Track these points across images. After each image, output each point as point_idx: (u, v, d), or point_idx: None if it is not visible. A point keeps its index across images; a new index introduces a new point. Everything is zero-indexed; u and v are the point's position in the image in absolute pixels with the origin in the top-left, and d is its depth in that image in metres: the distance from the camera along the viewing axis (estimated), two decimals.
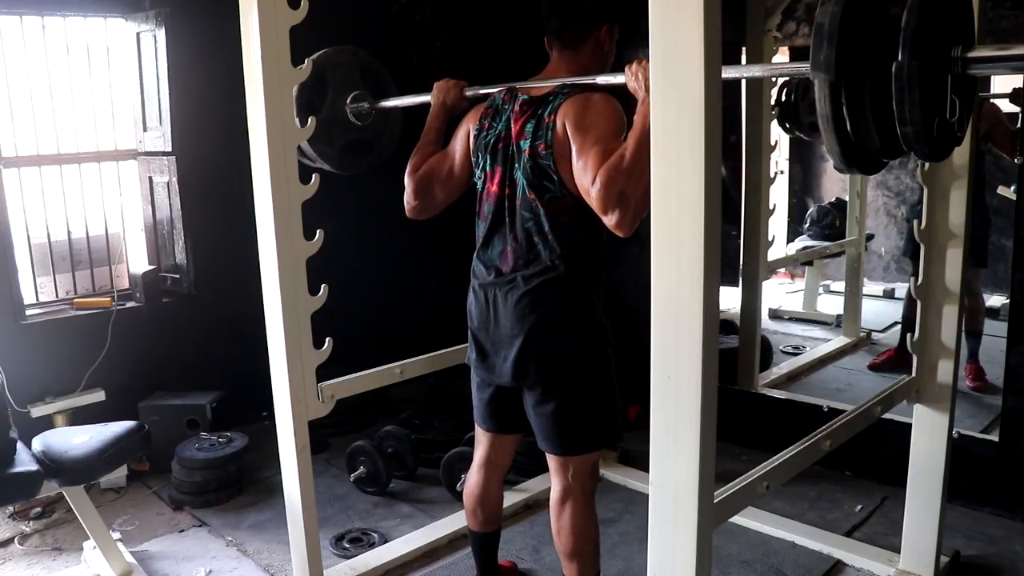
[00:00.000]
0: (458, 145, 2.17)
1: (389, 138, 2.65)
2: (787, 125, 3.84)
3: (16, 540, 2.99)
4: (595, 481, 2.13)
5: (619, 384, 2.08)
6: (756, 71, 1.86)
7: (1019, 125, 2.94)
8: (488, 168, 2.04)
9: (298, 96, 2.28)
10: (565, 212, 1.93)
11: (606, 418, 2.06)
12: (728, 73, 1.43)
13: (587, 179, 1.80)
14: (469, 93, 2.24)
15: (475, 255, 2.12)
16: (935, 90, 1.34)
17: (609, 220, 1.77)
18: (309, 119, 2.23)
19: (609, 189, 1.74)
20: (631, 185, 1.73)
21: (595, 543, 2.14)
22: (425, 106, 2.33)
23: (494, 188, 2.03)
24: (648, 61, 1.44)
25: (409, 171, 2.20)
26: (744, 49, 3.66)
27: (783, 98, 3.79)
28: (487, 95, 2.16)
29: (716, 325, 1.47)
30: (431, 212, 2.23)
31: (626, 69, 1.82)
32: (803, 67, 1.37)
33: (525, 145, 1.94)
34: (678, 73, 1.37)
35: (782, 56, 3.97)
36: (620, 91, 1.89)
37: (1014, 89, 3.14)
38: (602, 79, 1.91)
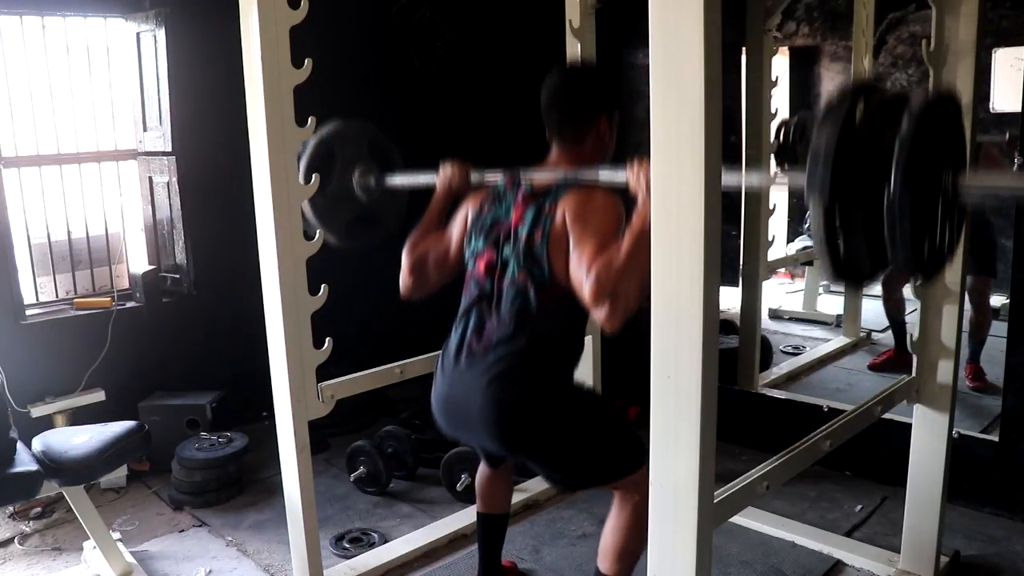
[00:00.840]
0: (455, 229, 2.18)
1: (395, 212, 2.64)
2: (785, 166, 3.86)
3: (16, 540, 2.99)
4: (643, 494, 1.87)
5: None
6: (754, 180, 1.88)
7: (1015, 167, 2.99)
8: (480, 249, 2.05)
9: (307, 164, 2.30)
10: (551, 299, 1.94)
11: (616, 452, 2.02)
12: (727, 180, 1.48)
13: (581, 272, 1.81)
14: (474, 177, 2.24)
15: (452, 327, 2.09)
16: (926, 215, 1.38)
17: (598, 314, 1.78)
18: (310, 120, 2.23)
19: (602, 285, 1.75)
20: (624, 283, 1.74)
21: (633, 550, 2.09)
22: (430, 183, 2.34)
23: (483, 267, 2.04)
24: (649, 162, 1.45)
25: (407, 249, 2.20)
26: (744, 49, 3.66)
27: (780, 139, 3.81)
28: (492, 181, 2.17)
29: (716, 325, 1.47)
30: (425, 292, 2.22)
31: (628, 169, 1.83)
32: (801, 182, 1.40)
33: (523, 231, 1.96)
34: (678, 73, 1.37)
35: (782, 56, 3.97)
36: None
37: (1009, 135, 3.17)
38: (604, 175, 1.92)
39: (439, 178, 2.27)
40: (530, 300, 1.93)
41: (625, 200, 1.88)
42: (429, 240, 2.20)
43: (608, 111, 2.04)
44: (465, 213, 2.16)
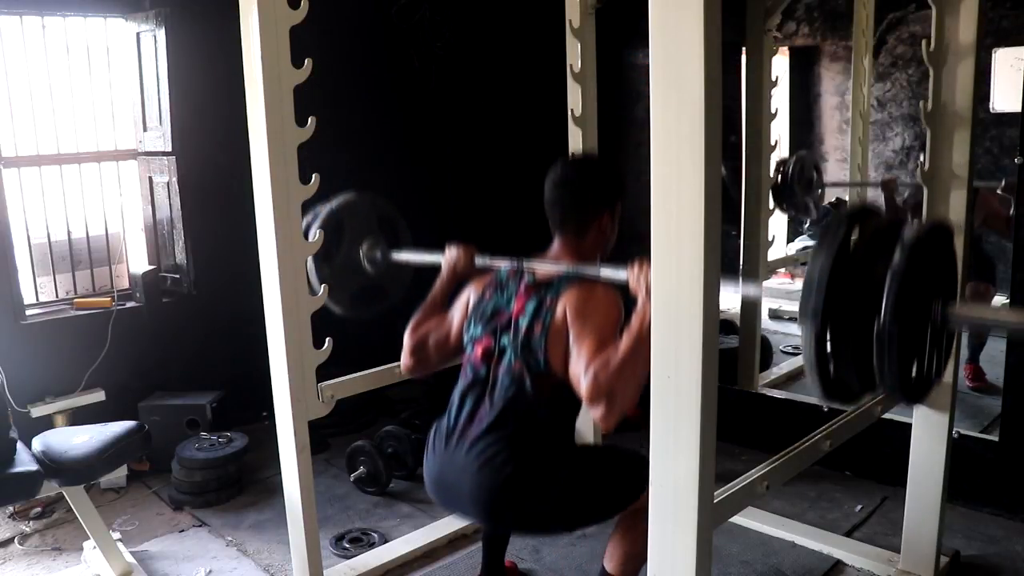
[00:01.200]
0: (457, 313, 2.20)
1: (401, 283, 2.68)
2: (783, 205, 3.86)
3: (16, 540, 2.99)
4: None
5: (602, 461, 2.08)
6: (751, 291, 1.92)
7: (1012, 212, 3.04)
8: (479, 335, 2.07)
9: (315, 254, 2.35)
10: (546, 389, 1.95)
11: (616, 494, 2.03)
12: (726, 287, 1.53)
13: (580, 368, 1.83)
14: (479, 261, 2.26)
15: (448, 407, 2.11)
16: (914, 342, 1.42)
17: (594, 412, 1.79)
18: (310, 119, 2.23)
19: (599, 383, 1.76)
20: (621, 383, 1.75)
21: (640, 552, 2.11)
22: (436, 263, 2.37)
23: (480, 353, 2.05)
24: (649, 265, 1.48)
25: (409, 330, 2.22)
26: (744, 49, 3.66)
27: (779, 179, 3.81)
28: (496, 266, 2.19)
29: (716, 325, 1.47)
30: (426, 372, 2.25)
31: (629, 269, 1.86)
32: (795, 291, 1.44)
33: (523, 322, 1.97)
34: (678, 73, 1.37)
35: (782, 56, 3.97)
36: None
37: (1006, 182, 3.19)
38: (605, 272, 1.94)
39: (444, 260, 2.30)
40: (525, 388, 1.95)
41: (624, 295, 1.91)
42: (431, 322, 2.22)
43: (611, 205, 2.07)
44: (467, 298, 2.18)
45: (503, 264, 2.15)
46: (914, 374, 1.43)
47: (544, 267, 2.05)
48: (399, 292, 2.66)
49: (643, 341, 1.64)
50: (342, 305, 2.50)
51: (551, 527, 2.11)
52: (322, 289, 2.33)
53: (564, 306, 1.92)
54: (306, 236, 2.31)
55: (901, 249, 1.36)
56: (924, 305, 1.42)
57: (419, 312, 2.25)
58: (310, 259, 2.33)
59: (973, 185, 2.17)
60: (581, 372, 1.81)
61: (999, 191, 3.33)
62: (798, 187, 3.82)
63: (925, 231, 1.40)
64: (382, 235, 2.57)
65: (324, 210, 2.40)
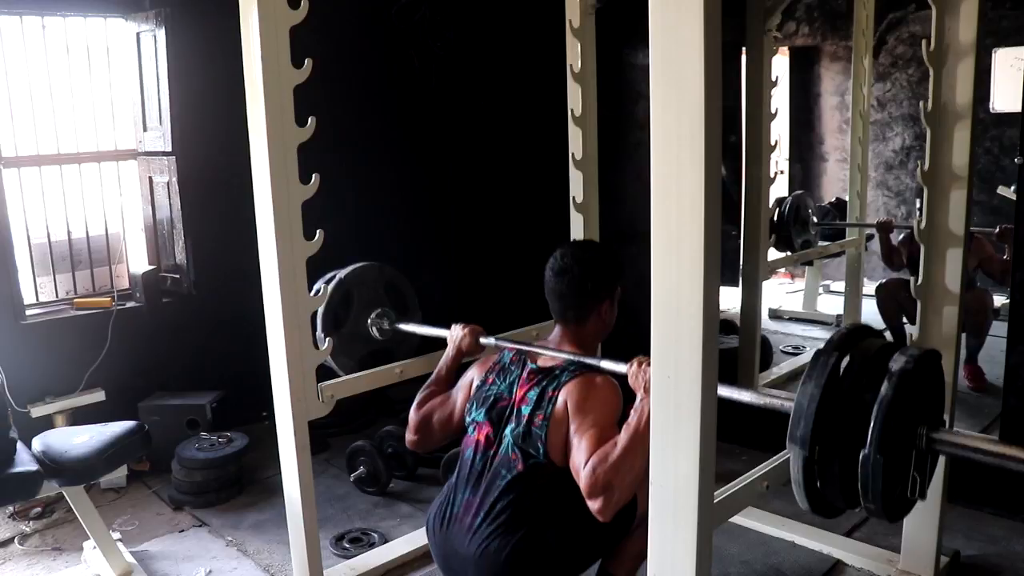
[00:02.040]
0: (460, 395, 2.24)
1: (408, 346, 2.74)
2: (780, 246, 3.90)
3: (16, 540, 2.99)
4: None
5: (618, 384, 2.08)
6: (745, 397, 1.99)
7: (1005, 256, 3.07)
8: (480, 420, 2.10)
9: (324, 313, 2.43)
10: (543, 477, 1.98)
11: (608, 533, 2.03)
12: (723, 393, 1.62)
13: (579, 460, 1.87)
14: (484, 341, 2.32)
15: (448, 486, 2.15)
16: (898, 467, 1.47)
17: (592, 505, 1.83)
18: (309, 120, 2.23)
19: (597, 476, 1.81)
20: (619, 476, 1.79)
21: (639, 551, 2.12)
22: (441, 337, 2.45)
23: (480, 439, 2.09)
24: (648, 363, 1.52)
25: (414, 407, 2.29)
26: (744, 49, 3.65)
27: (775, 217, 3.85)
28: (500, 347, 2.23)
29: (716, 325, 1.47)
30: (429, 447, 2.33)
31: (629, 367, 1.91)
32: (788, 404, 1.53)
33: (525, 411, 2.00)
34: (678, 73, 1.37)
35: (782, 56, 3.97)
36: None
37: (1001, 228, 3.28)
38: (606, 365, 1.99)
39: (450, 338, 2.37)
40: (520, 477, 1.98)
41: (624, 385, 1.95)
42: (436, 400, 2.28)
43: (610, 294, 2.11)
44: (471, 379, 2.22)
45: (507, 346, 2.20)
46: (897, 497, 1.49)
47: (546, 354, 2.10)
48: (407, 354, 2.72)
49: (642, 437, 1.69)
50: (349, 372, 2.56)
51: None
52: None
53: (565, 398, 1.96)
54: (313, 336, 2.36)
55: (888, 380, 1.41)
56: (909, 432, 1.47)
57: (425, 389, 2.32)
58: (320, 324, 2.42)
59: (970, 231, 2.20)
60: (580, 465, 1.86)
61: (995, 237, 3.40)
62: (794, 229, 3.93)
63: (912, 361, 1.45)
64: (390, 303, 2.67)
65: (334, 282, 2.48)
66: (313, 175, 2.26)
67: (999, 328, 3.30)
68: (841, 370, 1.47)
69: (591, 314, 2.09)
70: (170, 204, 3.70)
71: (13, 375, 3.23)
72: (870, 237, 4.68)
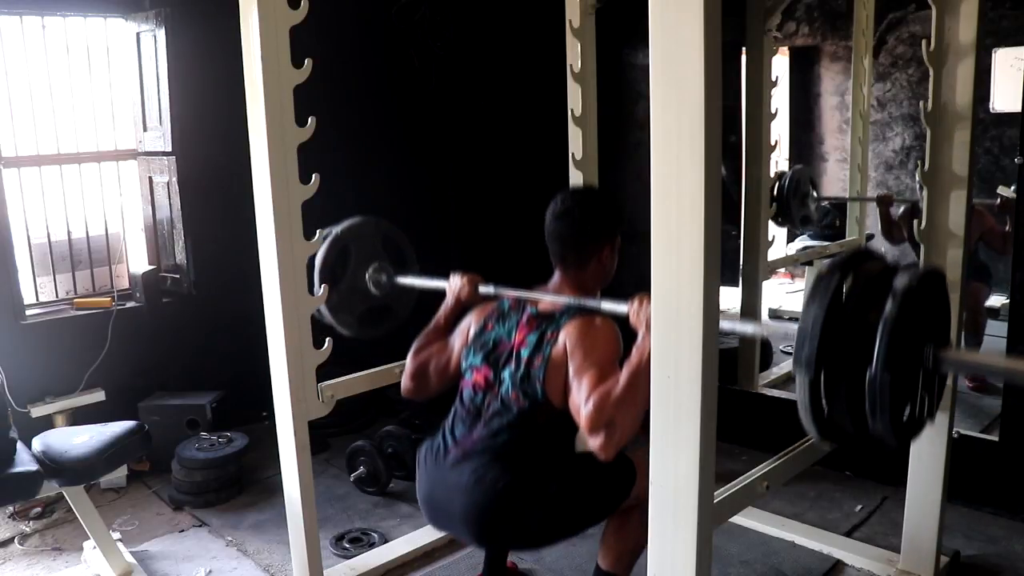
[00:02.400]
0: (458, 340, 2.22)
1: (407, 301, 2.70)
2: (779, 219, 3.89)
3: (16, 540, 2.99)
4: (643, 500, 1.99)
5: (586, 475, 2.09)
6: (748, 328, 1.92)
7: (1007, 228, 3.05)
8: (478, 364, 2.09)
9: (321, 268, 2.37)
10: (542, 416, 1.98)
11: (605, 498, 2.04)
12: (724, 325, 1.55)
13: (580, 399, 1.85)
14: (483, 290, 2.27)
15: (441, 428, 2.14)
16: (906, 387, 1.44)
17: (593, 442, 1.81)
18: (309, 119, 2.23)
19: (599, 414, 1.78)
20: (620, 413, 1.77)
21: (633, 548, 2.12)
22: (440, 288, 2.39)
23: (479, 379, 2.08)
24: (649, 299, 1.48)
25: (411, 354, 2.26)
26: (744, 49, 3.66)
27: (775, 193, 3.83)
28: (499, 296, 2.20)
29: (716, 325, 1.47)
30: (425, 395, 2.28)
31: (629, 304, 1.88)
32: (792, 327, 1.47)
33: (524, 353, 1.99)
34: (678, 73, 1.38)
35: (782, 56, 3.97)
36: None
37: (1002, 199, 3.28)
38: (606, 306, 1.96)
39: (449, 288, 2.33)
40: (520, 414, 1.98)
41: (624, 328, 1.93)
42: (433, 347, 2.25)
43: (611, 239, 2.09)
44: (468, 326, 2.20)
45: (506, 294, 2.17)
46: (905, 417, 1.46)
47: (546, 299, 2.07)
48: (406, 311, 2.69)
49: (642, 374, 1.67)
50: (350, 328, 2.53)
51: (542, 541, 2.13)
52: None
53: (565, 339, 1.95)
54: (310, 287, 2.34)
55: (893, 298, 1.38)
56: (916, 351, 1.45)
57: (422, 337, 2.28)
58: (317, 277, 2.36)
59: (970, 203, 2.18)
60: (581, 403, 1.84)
61: (996, 209, 3.37)
62: (794, 203, 3.87)
63: (916, 279, 1.43)
64: (387, 257, 2.61)
65: (329, 235, 2.43)
66: (313, 175, 2.26)
67: (999, 328, 3.29)
68: (844, 293, 1.43)
69: (592, 258, 2.07)
70: (170, 204, 3.70)
71: (13, 375, 3.23)
72: (870, 237, 4.68)
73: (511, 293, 2.16)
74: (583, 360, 1.89)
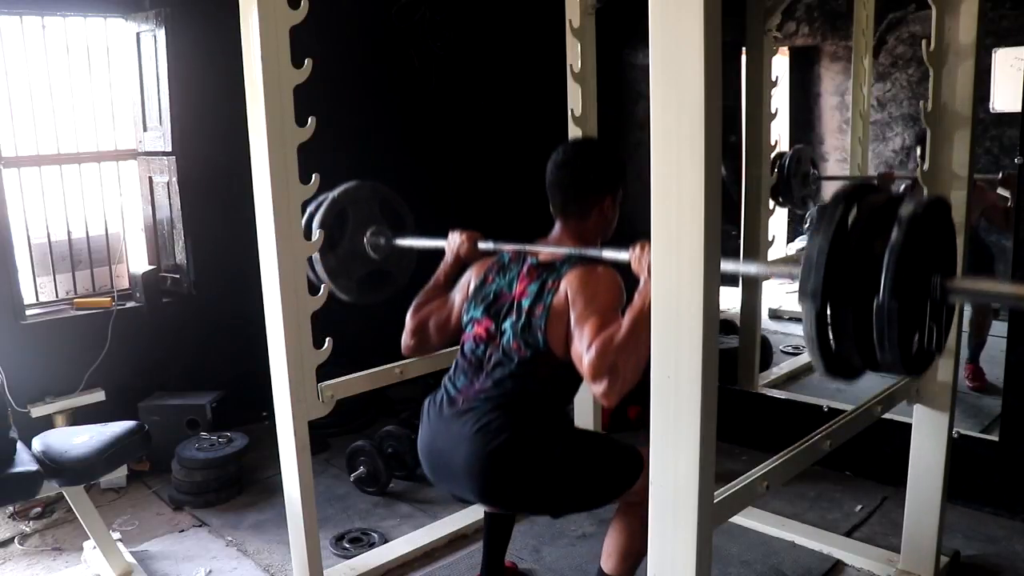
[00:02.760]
0: (458, 295, 2.22)
1: (406, 266, 2.70)
2: (780, 199, 3.88)
3: (16, 540, 2.99)
4: (645, 500, 2.06)
5: (596, 445, 2.08)
6: (752, 269, 1.94)
7: (1009, 204, 3.04)
8: (479, 317, 2.08)
9: (319, 225, 2.36)
10: (544, 368, 1.97)
11: (608, 478, 2.03)
12: (726, 267, 1.52)
13: (582, 346, 1.84)
14: (482, 246, 2.27)
15: (442, 381, 2.13)
16: (914, 317, 1.42)
17: (596, 388, 1.80)
18: (309, 120, 2.23)
19: (602, 360, 1.78)
20: (623, 359, 1.76)
21: (636, 552, 2.09)
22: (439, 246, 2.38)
23: (480, 331, 2.07)
24: (651, 245, 1.48)
25: (411, 311, 2.25)
26: (744, 49, 3.66)
27: (775, 171, 3.83)
28: (499, 250, 2.20)
29: (716, 325, 1.47)
30: (425, 352, 2.29)
31: (630, 250, 1.86)
32: (796, 269, 1.44)
33: (525, 304, 1.99)
34: (678, 73, 1.37)
35: (782, 56, 3.97)
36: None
37: (1005, 174, 3.24)
38: (607, 254, 1.95)
39: (448, 245, 2.32)
40: (522, 364, 1.97)
41: (626, 276, 1.91)
42: (433, 304, 2.25)
43: (613, 190, 2.07)
44: (468, 280, 2.20)
45: (506, 248, 2.15)
46: (915, 348, 1.43)
47: (546, 250, 2.06)
48: (404, 276, 2.67)
49: (645, 319, 1.64)
50: (349, 292, 2.51)
51: (540, 505, 2.09)
52: (322, 289, 2.33)
53: (566, 287, 1.93)
54: (308, 230, 2.31)
55: (898, 225, 1.36)
56: (923, 280, 1.41)
57: (422, 294, 2.27)
58: (317, 225, 2.34)
59: (972, 177, 2.16)
60: (583, 350, 1.82)
61: (998, 184, 3.34)
62: (795, 181, 3.84)
63: (922, 207, 1.40)
64: (385, 221, 2.59)
65: (327, 199, 2.40)
66: (313, 175, 2.26)
67: (999, 328, 3.30)
68: (849, 224, 1.40)
69: (593, 209, 2.05)
70: (170, 204, 3.70)
71: (13, 375, 3.23)
72: None
73: (511, 247, 2.15)
74: (584, 308, 1.88)
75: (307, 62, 2.18)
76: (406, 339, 2.24)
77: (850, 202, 1.41)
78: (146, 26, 3.57)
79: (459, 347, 2.14)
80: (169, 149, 3.62)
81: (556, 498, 2.02)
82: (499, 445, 1.91)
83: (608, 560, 2.10)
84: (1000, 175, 3.32)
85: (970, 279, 1.49)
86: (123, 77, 3.74)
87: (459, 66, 4.43)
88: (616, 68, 3.72)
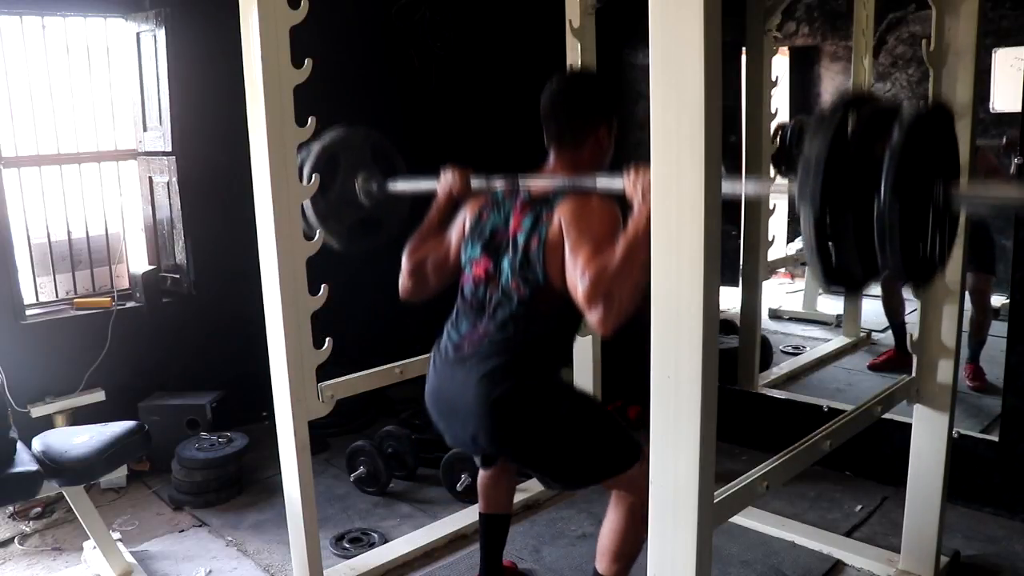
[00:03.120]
0: (454, 235, 2.20)
1: (398, 215, 2.68)
2: (782, 168, 3.87)
3: (16, 540, 2.99)
4: (639, 492, 1.92)
5: (618, 384, 2.09)
6: (750, 188, 1.87)
7: (1012, 171, 3.02)
8: (477, 256, 2.07)
9: (310, 169, 2.33)
10: (545, 303, 1.96)
11: (606, 451, 2.03)
12: (726, 188, 1.49)
13: (576, 274, 1.82)
14: (475, 183, 2.25)
15: (444, 328, 2.13)
16: (917, 224, 1.38)
17: (592, 316, 1.78)
18: (309, 119, 2.23)
19: (596, 287, 1.76)
20: (618, 285, 1.74)
21: (630, 553, 2.10)
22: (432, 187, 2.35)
23: (479, 272, 2.06)
24: (647, 169, 1.45)
25: (407, 253, 2.22)
26: (744, 49, 3.66)
27: (777, 142, 3.82)
28: (492, 186, 2.18)
29: (716, 325, 1.47)
30: (423, 295, 2.24)
31: (625, 175, 1.85)
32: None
33: (521, 238, 1.98)
34: (678, 73, 1.37)
35: (782, 56, 3.97)
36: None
37: (1007, 140, 3.22)
38: (601, 182, 1.93)
39: (440, 184, 2.29)
40: (523, 304, 1.96)
41: (622, 206, 1.89)
42: (429, 245, 2.22)
43: (608, 119, 2.06)
44: (464, 219, 2.18)
45: (499, 183, 2.13)
46: (918, 256, 1.39)
47: (540, 183, 2.03)
48: (396, 225, 2.65)
49: (641, 243, 1.63)
50: (339, 237, 2.49)
51: (538, 460, 2.05)
52: (323, 289, 2.33)
53: (560, 218, 1.91)
54: (300, 174, 2.30)
55: (900, 127, 1.33)
56: (925, 185, 1.37)
57: (416, 236, 2.24)
58: (307, 169, 2.31)
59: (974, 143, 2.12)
60: (578, 278, 1.81)
61: (1000, 149, 3.32)
62: (796, 149, 3.81)
63: (925, 110, 1.37)
64: (377, 168, 2.56)
65: (317, 145, 2.37)
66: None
67: (999, 328, 3.30)
68: (848, 130, 1.37)
69: (588, 138, 2.03)
70: (170, 204, 3.70)
71: (13, 375, 3.23)
72: None
73: (504, 181, 2.12)
74: (579, 236, 1.86)
75: (307, 62, 2.18)
76: (403, 281, 2.21)
77: (849, 107, 1.37)
78: (146, 26, 3.57)
79: (459, 290, 2.11)
80: (169, 149, 3.62)
81: (555, 455, 2.01)
82: (504, 392, 1.91)
83: (602, 560, 2.10)
84: (1003, 139, 3.28)
85: (975, 184, 1.44)
86: (123, 77, 3.74)
87: (459, 66, 4.43)
88: (616, 68, 3.72)
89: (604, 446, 2.02)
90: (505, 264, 2.00)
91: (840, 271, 1.40)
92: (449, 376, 2.02)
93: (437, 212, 2.27)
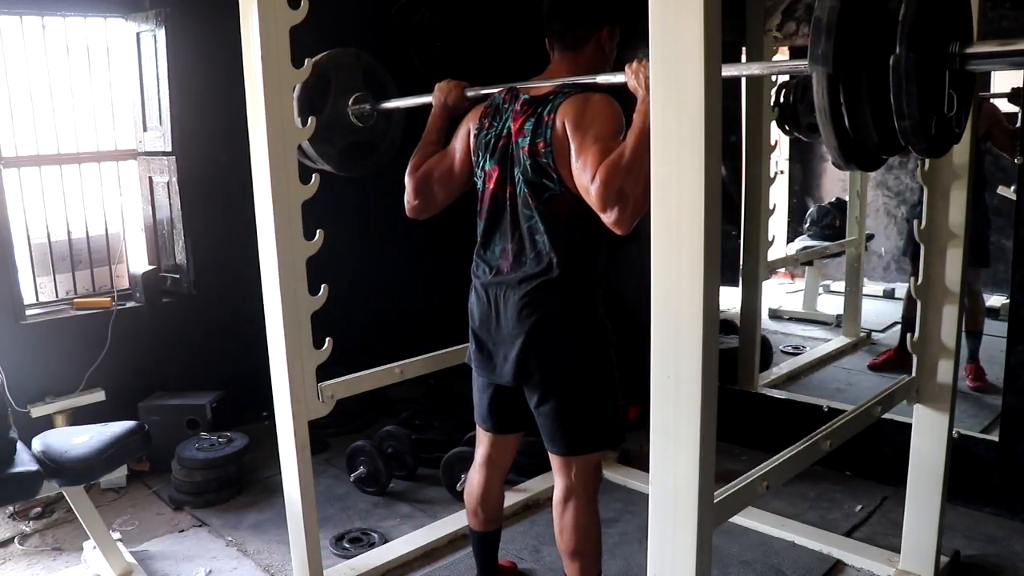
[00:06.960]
0: (458, 144, 2.18)
1: (391, 140, 2.66)
2: (786, 127, 3.85)
3: (16, 540, 2.99)
4: (598, 481, 2.15)
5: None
6: (755, 69, 1.84)
7: (1018, 124, 2.99)
8: (487, 167, 2.05)
9: (299, 96, 2.29)
10: (564, 210, 1.93)
11: (608, 418, 2.07)
12: (728, 71, 1.46)
13: (586, 177, 1.80)
14: (470, 93, 2.24)
15: (475, 254, 2.13)
16: (933, 85, 1.34)
17: (608, 217, 1.78)
18: (309, 119, 2.24)
19: (608, 186, 1.75)
20: (630, 182, 1.74)
21: (597, 543, 2.15)
22: (427, 108, 2.33)
23: (493, 186, 2.04)
24: (648, 60, 1.45)
25: (409, 170, 2.20)
26: (744, 49, 3.66)
27: (782, 99, 3.80)
28: (488, 95, 2.16)
29: (716, 325, 1.47)
30: (431, 212, 2.24)
31: (626, 68, 1.83)
32: (802, 65, 1.39)
33: (524, 143, 1.94)
34: (678, 73, 1.37)
35: (782, 56, 3.97)
36: (620, 91, 1.90)
37: (1013, 89, 3.18)
38: (602, 78, 1.92)
39: (434, 97, 2.27)
40: (539, 219, 1.95)
41: (623, 103, 1.87)
42: (431, 160, 2.20)
43: (610, 22, 2.03)
44: (466, 129, 2.15)
45: (496, 90, 2.11)
46: (935, 121, 1.35)
47: (539, 85, 2.02)
48: (389, 149, 2.64)
49: (647, 136, 1.60)
50: (331, 161, 2.47)
51: (559, 396, 2.03)
52: (323, 289, 2.33)
53: (562, 119, 1.89)
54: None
55: None
56: (941, 44, 1.33)
57: (416, 154, 2.23)
58: (296, 106, 2.27)
59: (977, 95, 2.07)
60: (588, 181, 1.79)
61: (1008, 100, 3.28)
62: (800, 108, 3.78)
63: None
64: (369, 91, 2.54)
65: (305, 64, 2.31)
66: (313, 175, 2.26)
67: (999, 328, 3.30)
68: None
69: (591, 39, 2.00)
70: (170, 204, 3.70)
71: (13, 375, 3.23)
72: (870, 237, 4.68)
73: (500, 88, 2.10)
74: (584, 138, 1.84)
75: (307, 62, 2.18)
76: (409, 199, 2.20)
77: None
78: (146, 26, 3.57)
79: (478, 212, 2.10)
80: (169, 149, 3.62)
81: (576, 395, 2.02)
82: (543, 316, 1.95)
83: (572, 566, 2.13)
84: (1009, 89, 3.26)
85: (990, 42, 1.36)
86: (123, 77, 3.74)
87: (459, 66, 4.42)
88: (616, 68, 3.72)
89: (612, 408, 2.05)
90: (517, 174, 1.97)
91: (855, 142, 1.36)
92: (493, 299, 2.03)
93: (434, 126, 2.25)
